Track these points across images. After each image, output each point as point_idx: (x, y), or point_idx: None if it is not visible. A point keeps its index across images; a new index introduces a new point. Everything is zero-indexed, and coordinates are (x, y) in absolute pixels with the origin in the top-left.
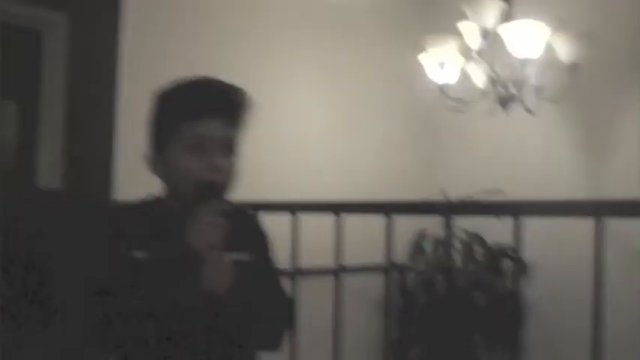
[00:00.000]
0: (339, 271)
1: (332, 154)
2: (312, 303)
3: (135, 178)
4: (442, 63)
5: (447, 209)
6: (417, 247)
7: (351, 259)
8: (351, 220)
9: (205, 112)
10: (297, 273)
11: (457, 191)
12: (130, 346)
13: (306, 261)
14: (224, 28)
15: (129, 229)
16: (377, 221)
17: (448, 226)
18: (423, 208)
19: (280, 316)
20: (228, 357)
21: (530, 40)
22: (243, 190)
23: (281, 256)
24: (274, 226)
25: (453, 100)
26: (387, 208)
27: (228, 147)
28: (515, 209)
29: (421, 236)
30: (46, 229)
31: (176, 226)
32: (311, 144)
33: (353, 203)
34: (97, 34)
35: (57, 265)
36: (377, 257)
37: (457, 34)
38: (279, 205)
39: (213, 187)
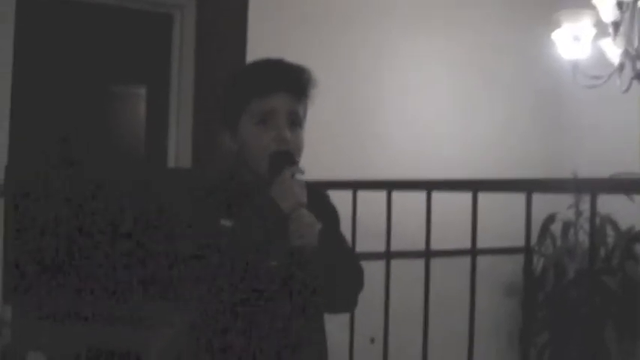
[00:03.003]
0: (474, 253)
1: (459, 134)
2: (441, 283)
3: None
4: (576, 37)
5: (593, 186)
6: (545, 231)
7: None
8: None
9: (272, 87)
10: (430, 254)
11: (588, 172)
12: (215, 305)
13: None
14: (358, 10)
15: (214, 198)
16: (497, 203)
17: (593, 203)
18: (565, 186)
19: (357, 279)
20: (305, 317)
21: None
22: (379, 168)
23: (414, 236)
24: (405, 204)
25: (587, 77)
26: (528, 186)
27: (295, 121)
28: None
29: (550, 220)
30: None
31: (256, 196)
32: (438, 123)
33: (491, 181)
34: (225, 16)
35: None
36: (498, 240)
37: (591, 7)
38: (414, 183)
39: (287, 155)
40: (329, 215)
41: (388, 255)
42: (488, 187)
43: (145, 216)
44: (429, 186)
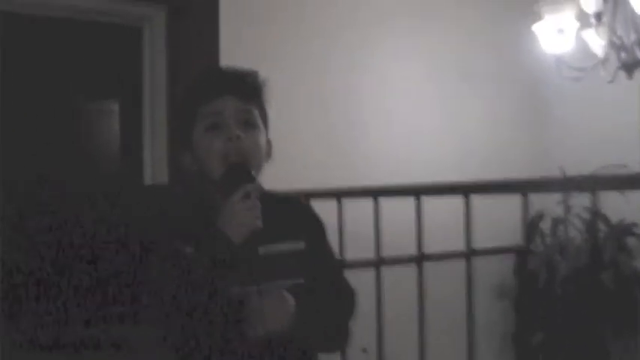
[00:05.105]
0: (470, 255)
1: (442, 132)
2: (431, 287)
3: None
4: (560, 30)
5: (593, 184)
6: (534, 229)
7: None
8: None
9: (217, 92)
10: (422, 258)
11: (576, 167)
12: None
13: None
14: (329, 10)
15: (177, 223)
16: (482, 203)
17: (593, 201)
18: (562, 185)
19: (346, 316)
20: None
21: None
22: (361, 175)
23: (405, 242)
24: (393, 211)
25: (571, 69)
26: (523, 187)
27: (246, 121)
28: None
29: (538, 217)
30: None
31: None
32: (420, 123)
33: (483, 184)
34: (196, 27)
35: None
36: (484, 241)
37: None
38: (402, 189)
39: (240, 169)
40: (312, 229)
41: (378, 263)
42: (481, 190)
43: (114, 241)
44: (418, 191)
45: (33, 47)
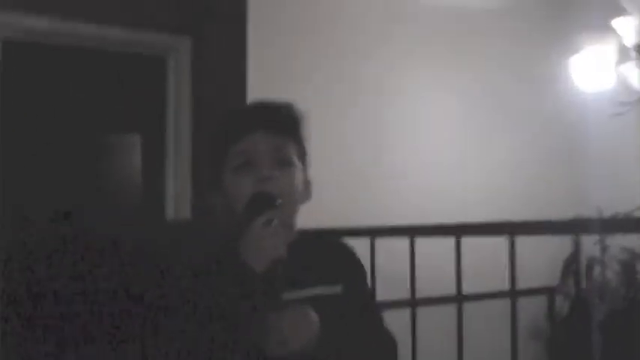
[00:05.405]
0: (514, 295)
1: (473, 170)
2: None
3: None
4: (596, 65)
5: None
6: (569, 269)
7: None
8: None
9: (245, 129)
10: (462, 299)
11: (612, 205)
12: None
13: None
14: (355, 42)
15: (200, 259)
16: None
17: None
18: (614, 226)
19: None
20: None
21: None
22: (392, 212)
23: (435, 279)
24: (431, 251)
25: (610, 106)
26: (574, 226)
27: (278, 157)
28: None
29: (572, 257)
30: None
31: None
32: (451, 159)
33: (528, 223)
34: (222, 57)
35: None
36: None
37: (610, 31)
38: (441, 228)
39: (265, 197)
40: (351, 272)
41: (413, 305)
42: (524, 231)
43: (134, 276)
44: (458, 231)
45: (54, 77)
